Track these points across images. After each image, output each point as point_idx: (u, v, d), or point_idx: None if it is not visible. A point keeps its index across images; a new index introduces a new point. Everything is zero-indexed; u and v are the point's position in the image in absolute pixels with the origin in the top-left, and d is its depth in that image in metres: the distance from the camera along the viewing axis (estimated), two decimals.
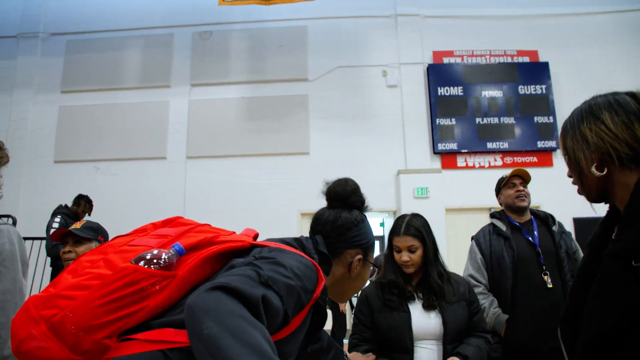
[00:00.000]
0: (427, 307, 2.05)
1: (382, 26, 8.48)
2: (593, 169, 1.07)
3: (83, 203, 5.67)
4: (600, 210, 1.09)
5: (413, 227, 2.13)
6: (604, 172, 1.07)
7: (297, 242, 1.19)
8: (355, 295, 2.00)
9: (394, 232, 2.17)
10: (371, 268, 1.35)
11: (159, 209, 6.59)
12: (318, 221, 1.31)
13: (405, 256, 2.10)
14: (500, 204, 2.99)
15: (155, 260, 0.93)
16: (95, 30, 8.64)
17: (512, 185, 2.86)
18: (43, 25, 8.72)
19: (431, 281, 2.09)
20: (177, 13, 8.63)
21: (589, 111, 1.12)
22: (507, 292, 2.65)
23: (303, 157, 7.85)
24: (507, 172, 2.96)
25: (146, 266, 0.92)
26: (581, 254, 2.78)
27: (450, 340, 2.01)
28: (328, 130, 7.90)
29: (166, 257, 0.95)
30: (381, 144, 7.85)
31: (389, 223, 8.44)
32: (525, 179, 2.88)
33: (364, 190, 1.35)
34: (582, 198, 1.09)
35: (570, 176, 1.19)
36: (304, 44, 8.38)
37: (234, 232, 1.15)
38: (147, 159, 8.01)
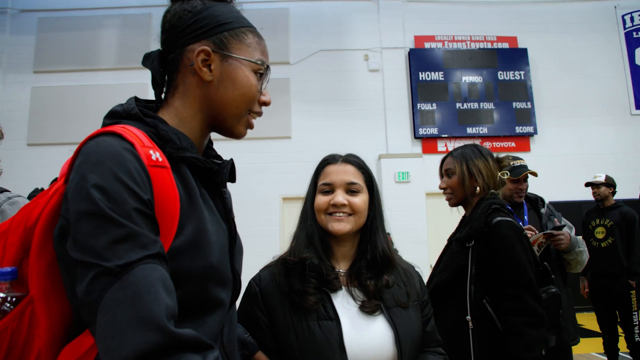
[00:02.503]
0: (368, 309, 1.23)
1: (364, 10, 8.43)
2: (475, 188, 1.86)
3: None
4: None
5: (354, 157, 1.37)
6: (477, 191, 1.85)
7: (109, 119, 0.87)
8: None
9: (324, 162, 1.37)
10: (253, 63, 0.91)
11: None
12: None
13: (340, 196, 1.28)
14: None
15: None
16: (69, 8, 8.36)
17: (517, 181, 2.82)
18: (12, 1, 8.40)
19: (377, 259, 1.30)
20: None
21: (480, 153, 1.91)
22: None
23: (285, 141, 7.81)
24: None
25: None
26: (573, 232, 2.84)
27: None
28: (310, 114, 7.87)
29: (2, 297, 0.71)
30: (363, 128, 7.85)
31: None
32: (533, 176, 2.86)
33: None
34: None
35: (444, 187, 1.96)
36: (286, 26, 8.27)
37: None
38: None
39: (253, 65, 0.91)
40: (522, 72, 8.16)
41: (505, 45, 8.36)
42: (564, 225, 2.64)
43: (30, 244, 0.72)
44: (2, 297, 0.70)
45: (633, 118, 8.39)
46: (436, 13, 8.45)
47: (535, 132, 8.00)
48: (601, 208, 4.60)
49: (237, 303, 1.01)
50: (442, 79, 8.00)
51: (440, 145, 7.83)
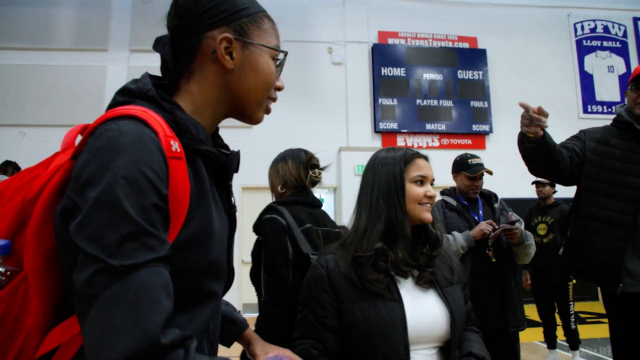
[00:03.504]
0: (422, 282, 1.36)
1: (330, 3, 8.48)
2: (278, 189, 2.01)
3: (10, 169, 5.34)
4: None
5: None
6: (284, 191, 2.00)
7: (119, 98, 0.81)
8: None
9: (412, 155, 1.45)
10: (273, 51, 0.91)
11: None
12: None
13: (432, 189, 1.42)
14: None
15: None
16: None
17: (474, 179, 2.92)
18: None
19: (431, 239, 1.43)
20: None
21: (282, 156, 2.06)
22: (466, 263, 2.70)
23: (246, 131, 7.78)
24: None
25: None
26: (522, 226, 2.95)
27: (458, 342, 1.36)
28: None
29: None
30: (324, 121, 7.93)
31: (329, 200, 8.57)
32: (488, 174, 2.97)
33: None
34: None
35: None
36: None
37: (55, 155, 0.79)
38: None
39: (271, 52, 0.89)
40: (480, 72, 8.42)
41: (466, 45, 8.60)
42: (518, 220, 2.78)
43: (28, 219, 0.70)
44: None
45: (581, 121, 8.78)
46: (400, 10, 8.59)
47: (491, 131, 8.28)
48: (543, 206, 4.85)
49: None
50: (404, 75, 8.16)
51: (400, 140, 7.99)
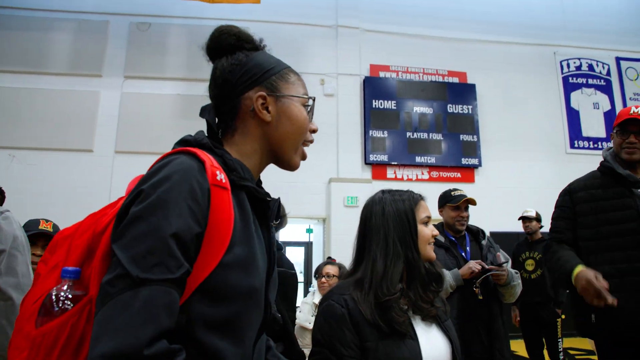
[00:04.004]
0: (428, 317, 1.43)
1: (323, 35, 8.64)
2: None
3: None
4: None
5: None
6: None
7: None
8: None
9: (418, 197, 1.53)
10: (305, 100, 1.03)
11: (82, 204, 6.29)
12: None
13: (435, 230, 1.51)
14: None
15: (56, 306, 0.78)
16: (20, 7, 8.09)
17: (458, 208, 2.94)
18: None
19: (434, 273, 1.50)
20: (114, 0, 8.32)
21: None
22: (453, 301, 2.71)
23: None
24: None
25: (51, 317, 0.78)
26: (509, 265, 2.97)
27: None
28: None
29: (63, 295, 0.79)
30: (315, 151, 7.93)
31: (318, 230, 8.56)
32: (471, 204, 3.00)
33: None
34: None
35: None
36: None
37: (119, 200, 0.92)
38: (71, 150, 7.61)
39: (302, 100, 1.02)
40: (470, 107, 8.57)
41: (456, 80, 8.77)
42: (506, 262, 2.78)
43: (96, 249, 0.81)
44: (64, 294, 0.79)
45: (567, 156, 8.95)
46: (392, 44, 8.77)
47: (480, 164, 8.38)
48: (530, 241, 4.88)
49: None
50: (395, 107, 8.28)
51: (390, 172, 8.06)
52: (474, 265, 2.68)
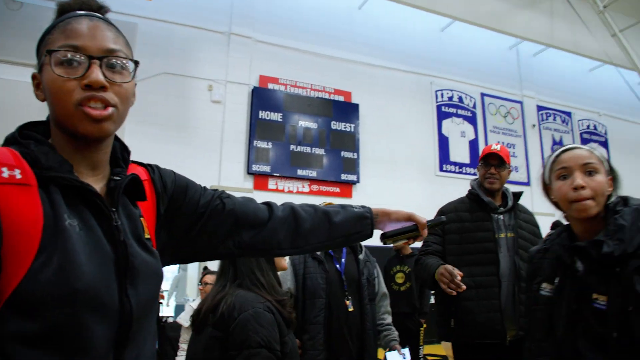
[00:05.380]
0: None
1: (215, 41, 8.54)
2: None
3: None
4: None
5: None
6: None
7: None
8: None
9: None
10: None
11: None
12: None
13: None
14: None
15: None
16: None
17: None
18: None
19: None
20: None
21: None
22: (321, 311, 2.82)
23: None
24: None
25: None
26: (381, 280, 3.25)
27: None
28: (145, 136, 7.59)
29: None
30: (198, 157, 7.82)
31: None
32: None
33: None
34: None
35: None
36: (132, 42, 7.78)
37: None
38: None
39: (55, 58, 0.82)
40: (352, 125, 8.98)
41: (341, 99, 9.15)
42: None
43: None
44: None
45: (437, 178, 9.76)
46: (283, 57, 8.91)
47: (358, 181, 8.81)
48: (401, 256, 5.26)
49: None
50: (281, 120, 8.41)
51: (272, 183, 8.15)
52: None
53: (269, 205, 1.19)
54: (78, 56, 0.83)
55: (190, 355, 1.76)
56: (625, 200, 1.40)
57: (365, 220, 1.22)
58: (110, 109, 0.84)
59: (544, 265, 1.48)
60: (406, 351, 3.09)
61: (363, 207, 1.25)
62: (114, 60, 0.87)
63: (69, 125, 0.83)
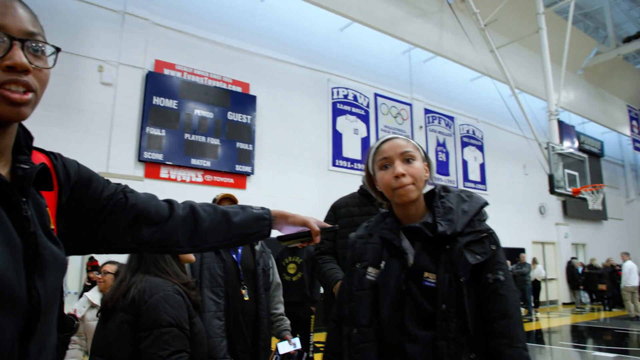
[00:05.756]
0: None
1: (108, 19, 8.11)
2: None
3: None
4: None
5: None
6: None
7: None
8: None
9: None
10: None
11: None
12: None
13: None
14: None
15: None
16: None
17: None
18: None
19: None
20: None
21: None
22: (220, 299, 2.85)
23: None
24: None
25: None
26: (276, 270, 3.30)
27: None
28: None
29: None
30: (84, 141, 7.43)
31: None
32: (234, 202, 3.14)
33: None
34: None
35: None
36: None
37: None
38: None
39: None
40: (249, 117, 9.07)
41: (239, 89, 9.19)
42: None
43: None
44: None
45: (329, 173, 10.20)
46: (181, 43, 8.72)
47: (252, 173, 8.94)
48: (292, 247, 5.49)
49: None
50: (176, 107, 8.26)
51: (164, 172, 8.00)
52: None
53: (170, 203, 1.18)
54: None
55: (99, 344, 1.77)
56: (445, 187, 1.50)
57: (264, 221, 1.27)
58: (30, 94, 0.80)
59: (368, 250, 1.50)
60: (296, 340, 3.21)
61: (262, 208, 1.31)
62: (34, 44, 0.82)
63: None
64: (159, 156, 7.91)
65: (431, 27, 11.21)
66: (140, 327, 1.65)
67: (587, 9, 16.92)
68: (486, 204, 1.45)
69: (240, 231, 1.22)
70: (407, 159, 1.44)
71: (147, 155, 7.81)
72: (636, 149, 18.58)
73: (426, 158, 1.53)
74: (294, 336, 3.30)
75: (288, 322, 3.34)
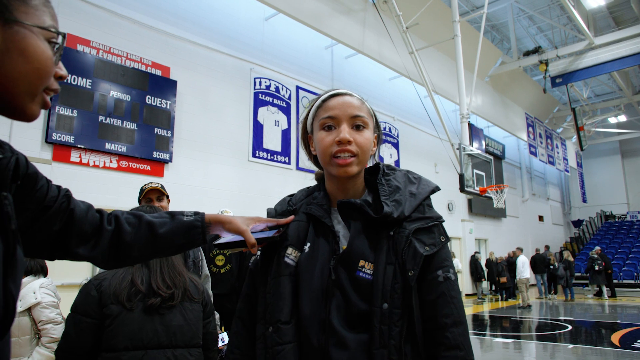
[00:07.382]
0: None
1: None
2: None
3: None
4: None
5: None
6: None
7: None
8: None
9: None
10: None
11: None
12: None
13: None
14: None
15: None
16: None
17: (148, 200, 3.01)
18: None
19: None
20: None
21: None
22: None
23: None
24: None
25: None
26: (205, 262, 3.23)
27: None
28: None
29: None
30: None
31: None
32: (163, 194, 3.11)
33: None
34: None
35: None
36: None
37: None
38: None
39: (46, 33, 0.76)
40: (168, 102, 8.76)
41: (159, 73, 8.83)
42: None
43: None
44: None
45: (249, 164, 10.15)
46: (98, 18, 8.18)
47: (171, 160, 8.66)
48: None
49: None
50: (90, 87, 7.77)
51: (75, 156, 7.48)
52: None
53: (101, 214, 1.11)
54: (59, 46, 0.82)
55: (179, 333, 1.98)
56: (389, 165, 1.27)
57: (195, 229, 1.15)
58: None
59: (290, 227, 1.20)
60: (224, 335, 3.22)
61: (196, 214, 1.17)
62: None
63: (19, 100, 0.77)
64: (69, 138, 7.39)
65: (354, 25, 11.49)
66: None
67: (494, 21, 18.27)
68: (437, 188, 1.23)
69: (168, 243, 1.13)
70: (358, 124, 1.16)
71: (56, 136, 7.26)
72: (531, 153, 20.39)
73: (377, 128, 1.27)
74: (222, 331, 3.30)
75: (217, 315, 3.35)
